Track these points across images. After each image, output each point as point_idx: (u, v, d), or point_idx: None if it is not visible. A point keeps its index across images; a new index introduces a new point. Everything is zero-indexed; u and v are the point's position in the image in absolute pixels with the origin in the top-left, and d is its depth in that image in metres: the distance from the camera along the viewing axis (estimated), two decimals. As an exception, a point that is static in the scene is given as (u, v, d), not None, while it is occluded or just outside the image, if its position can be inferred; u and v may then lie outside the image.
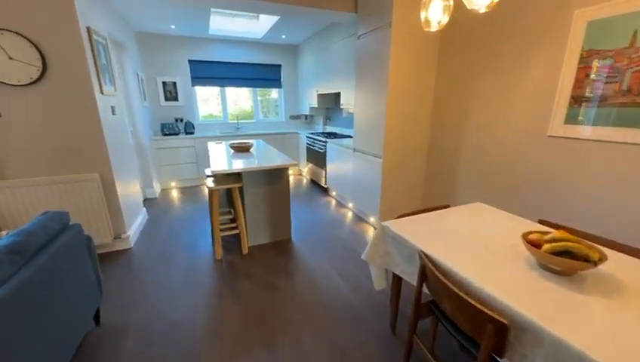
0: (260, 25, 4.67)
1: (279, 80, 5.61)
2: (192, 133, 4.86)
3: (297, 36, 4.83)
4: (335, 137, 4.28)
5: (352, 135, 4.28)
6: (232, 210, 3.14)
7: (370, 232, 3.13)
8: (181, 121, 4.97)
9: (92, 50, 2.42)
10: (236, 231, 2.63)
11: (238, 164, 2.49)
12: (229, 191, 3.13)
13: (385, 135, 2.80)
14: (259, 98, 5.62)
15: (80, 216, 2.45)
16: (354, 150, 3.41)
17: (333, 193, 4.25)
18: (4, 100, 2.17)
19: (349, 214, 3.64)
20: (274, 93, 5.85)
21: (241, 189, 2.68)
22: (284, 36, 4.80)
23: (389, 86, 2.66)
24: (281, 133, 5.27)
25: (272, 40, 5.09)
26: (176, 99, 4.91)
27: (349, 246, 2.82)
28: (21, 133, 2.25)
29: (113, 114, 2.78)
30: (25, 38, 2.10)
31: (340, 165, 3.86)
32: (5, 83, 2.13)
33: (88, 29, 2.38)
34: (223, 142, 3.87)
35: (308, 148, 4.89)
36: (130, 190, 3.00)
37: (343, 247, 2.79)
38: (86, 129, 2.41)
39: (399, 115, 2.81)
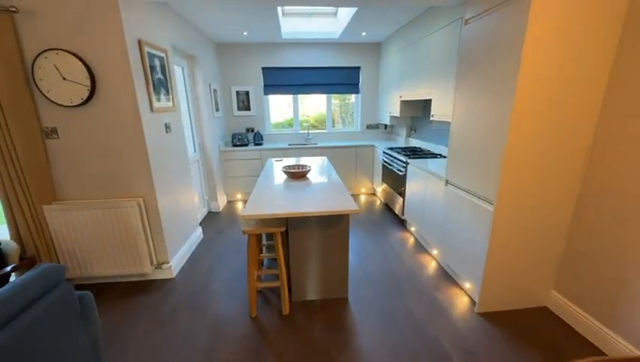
0: (338, 23, 4.06)
1: (357, 84, 4.90)
2: (260, 144, 4.62)
3: (380, 32, 4.03)
4: (419, 155, 3.33)
5: (443, 154, 3.26)
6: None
7: (464, 303, 2.14)
8: (252, 131, 4.80)
9: (142, 65, 2.21)
10: (277, 284, 2.07)
11: (281, 203, 1.91)
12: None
13: (503, 166, 1.78)
14: (334, 102, 5.05)
15: (118, 245, 2.28)
16: (446, 182, 2.44)
17: (412, 229, 3.32)
18: (60, 122, 2.12)
19: (433, 265, 2.68)
20: (350, 96, 5.18)
21: (286, 233, 2.11)
22: (364, 33, 4.07)
23: (515, 87, 1.65)
24: (354, 146, 4.56)
25: (351, 39, 4.42)
26: (248, 108, 4.76)
27: (429, 332, 1.92)
28: (73, 154, 2.19)
29: (167, 132, 2.58)
30: (75, 56, 1.98)
31: (423, 197, 2.92)
32: (60, 104, 2.06)
33: (139, 42, 2.17)
34: (284, 160, 3.41)
35: (384, 166, 4.04)
36: (181, 212, 2.79)
37: (420, 333, 1.91)
38: (130, 151, 2.21)
39: (532, 132, 1.74)
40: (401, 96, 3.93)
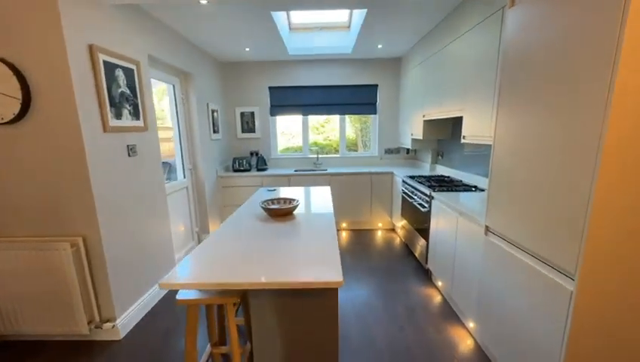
0: (350, 36, 3.61)
1: (374, 104, 4.35)
2: (264, 169, 4.15)
3: (398, 44, 3.51)
4: (448, 187, 2.61)
5: (481, 186, 2.52)
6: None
7: None
8: (256, 154, 4.36)
9: (94, 75, 1.82)
10: (232, 374, 1.42)
11: (235, 262, 1.31)
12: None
13: (591, 221, 1.06)
14: (355, 126, 4.50)
15: (48, 296, 1.79)
16: (486, 229, 1.71)
17: (439, 283, 2.53)
18: (-11, 142, 1.75)
19: (468, 345, 1.88)
20: (371, 119, 4.62)
21: (245, 304, 1.48)
22: (380, 45, 3.56)
23: (608, 101, 0.97)
24: (369, 174, 3.92)
25: (366, 53, 3.94)
26: (253, 130, 4.36)
27: None
28: (3, 181, 1.79)
29: (131, 155, 2.15)
30: (5, 63, 1.62)
31: (454, 244, 2.17)
32: (-12, 121, 1.70)
33: (91, 48, 1.79)
34: (280, 189, 2.85)
35: (404, 199, 3.34)
36: (145, 253, 2.29)
37: None
38: (68, 179, 1.77)
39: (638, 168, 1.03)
40: (424, 116, 3.29)
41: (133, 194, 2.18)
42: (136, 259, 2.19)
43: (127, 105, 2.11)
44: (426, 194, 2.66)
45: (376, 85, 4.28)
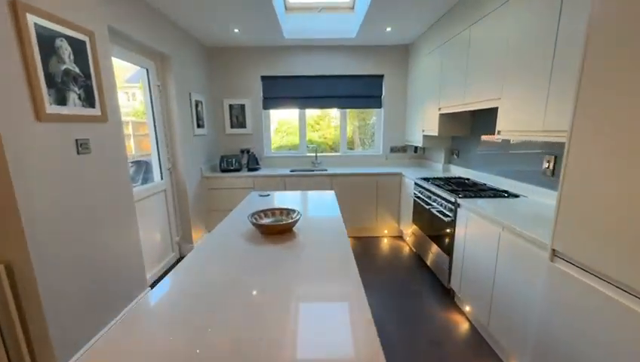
0: (355, 18, 3.16)
1: (379, 97, 3.91)
2: (255, 168, 3.67)
3: (411, 26, 3.07)
4: (473, 190, 2.19)
5: (513, 191, 2.08)
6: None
7: None
8: (247, 152, 3.89)
9: (20, 44, 1.33)
10: None
11: (199, 320, 0.86)
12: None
13: None
14: (349, 121, 4.05)
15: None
16: (553, 254, 1.28)
17: (467, 308, 2.12)
18: None
19: (517, 399, 1.46)
20: (370, 116, 4.18)
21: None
22: (389, 28, 3.12)
23: None
24: (375, 175, 3.49)
25: (372, 39, 3.49)
26: (243, 125, 3.88)
27: None
28: None
29: (82, 152, 1.67)
30: None
31: (490, 265, 1.75)
32: None
33: (14, 4, 1.30)
34: (274, 194, 2.39)
35: (416, 203, 2.92)
36: (101, 275, 1.81)
37: None
38: (-19, 184, 1.29)
39: None
40: (440, 109, 2.87)
41: (85, 202, 1.70)
42: (87, 288, 1.71)
43: (75, 88, 1.62)
44: (448, 201, 2.23)
45: (382, 76, 3.84)
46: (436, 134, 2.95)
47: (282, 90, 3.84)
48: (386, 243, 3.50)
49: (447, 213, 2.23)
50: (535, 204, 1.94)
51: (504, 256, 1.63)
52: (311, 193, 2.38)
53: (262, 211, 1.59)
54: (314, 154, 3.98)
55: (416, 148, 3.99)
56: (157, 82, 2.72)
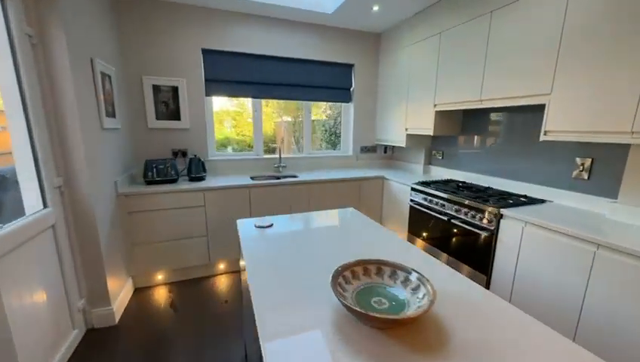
0: (333, -11, 2.55)
1: (348, 90, 3.42)
2: (199, 178, 2.63)
3: (406, 3, 2.66)
4: (502, 197, 1.95)
5: (532, 195, 1.85)
6: None
7: None
8: (183, 154, 2.78)
9: None
10: None
11: None
12: None
13: None
14: (287, 119, 3.41)
15: None
16: None
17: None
18: None
19: None
20: (319, 110, 3.65)
21: None
22: (376, 7, 2.64)
23: None
24: (358, 180, 2.98)
25: (349, 20, 2.96)
26: (176, 116, 2.74)
27: None
28: None
29: None
30: None
31: (575, 293, 1.48)
32: None
33: None
34: (277, 220, 1.58)
35: (418, 212, 2.56)
36: None
37: None
38: None
39: None
40: (436, 105, 2.58)
41: None
42: None
43: None
44: (483, 211, 1.92)
45: (352, 65, 3.35)
46: (431, 133, 2.66)
47: (232, 72, 2.89)
48: (369, 257, 3.06)
49: (484, 225, 1.92)
50: (572, 210, 1.80)
51: (601, 282, 1.37)
52: (329, 215, 1.68)
53: (340, 273, 0.84)
54: (276, 156, 3.18)
55: (385, 148, 3.69)
56: (26, 29, 1.47)
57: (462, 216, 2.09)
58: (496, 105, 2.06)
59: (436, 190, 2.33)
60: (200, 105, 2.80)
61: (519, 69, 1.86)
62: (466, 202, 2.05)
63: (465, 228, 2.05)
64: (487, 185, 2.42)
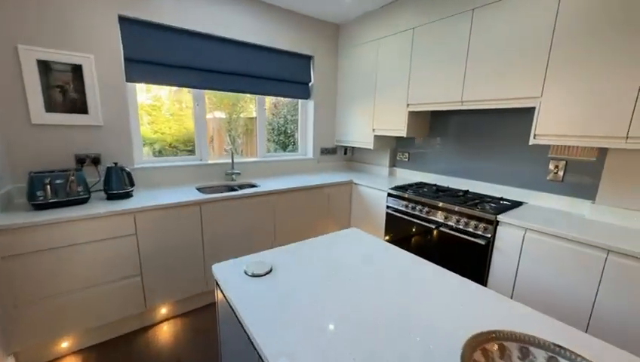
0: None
1: (307, 84, 3.05)
2: (126, 194, 1.90)
3: (367, -2, 2.43)
4: (481, 200, 1.91)
5: (505, 197, 1.88)
6: None
7: None
8: (94, 163, 1.98)
9: None
10: None
11: None
12: None
13: None
14: (210, 117, 2.92)
15: None
16: None
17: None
18: None
19: None
20: (245, 107, 3.23)
21: None
22: (346, -8, 2.35)
23: None
24: (328, 186, 2.65)
25: (311, 4, 2.58)
26: (80, 109, 1.93)
27: None
28: None
29: None
30: None
31: (584, 299, 1.47)
32: None
33: None
34: (270, 265, 1.12)
35: (397, 220, 2.39)
36: None
37: None
38: None
39: None
40: (409, 105, 2.45)
41: None
42: None
43: None
44: (477, 218, 1.83)
45: (311, 58, 3.00)
46: (403, 135, 2.51)
47: (165, 53, 2.20)
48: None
49: (478, 232, 1.83)
50: (551, 212, 1.86)
51: (611, 289, 1.37)
52: (337, 243, 1.31)
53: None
54: (226, 161, 2.60)
55: (346, 149, 3.46)
56: None
57: (452, 224, 1.97)
58: (478, 107, 2.00)
59: (418, 195, 2.19)
60: (119, 93, 2.04)
61: (506, 71, 1.82)
62: (457, 208, 1.94)
63: (456, 237, 1.94)
64: (465, 188, 2.39)
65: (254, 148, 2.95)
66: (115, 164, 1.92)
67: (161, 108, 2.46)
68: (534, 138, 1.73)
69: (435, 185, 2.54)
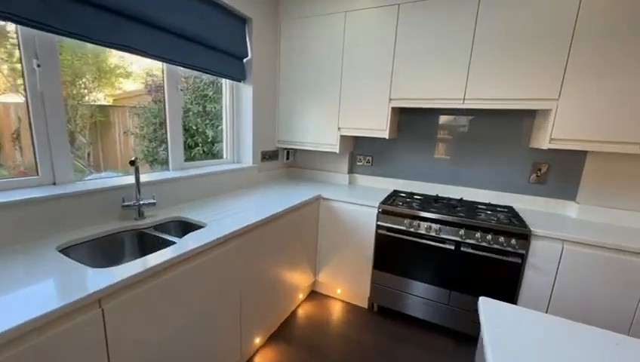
0: None
1: (241, 60, 2.09)
2: None
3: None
4: (484, 210, 1.74)
5: (492, 202, 1.85)
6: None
7: None
8: None
9: None
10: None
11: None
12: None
13: None
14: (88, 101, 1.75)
15: None
16: None
17: None
18: None
19: None
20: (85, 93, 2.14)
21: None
22: None
23: None
24: (296, 208, 1.84)
25: None
26: None
27: None
28: None
29: None
30: None
31: None
32: None
33: None
34: None
35: (394, 241, 1.91)
36: None
37: None
38: None
39: None
40: (391, 100, 2.01)
41: None
42: None
43: None
44: (506, 233, 1.60)
45: (247, 21, 2.06)
46: (385, 136, 2.06)
47: None
48: (313, 309, 2.07)
49: (508, 249, 1.60)
50: (537, 214, 1.88)
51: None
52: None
53: None
54: (126, 182, 1.36)
55: (288, 153, 2.68)
56: None
57: (473, 242, 1.68)
58: (482, 107, 1.78)
59: (424, 210, 1.79)
60: None
61: (518, 69, 1.65)
62: (480, 223, 1.66)
63: (481, 256, 1.66)
64: (453, 196, 2.18)
65: (115, 154, 1.72)
66: None
67: None
68: (550, 142, 1.65)
69: (420, 194, 2.24)
